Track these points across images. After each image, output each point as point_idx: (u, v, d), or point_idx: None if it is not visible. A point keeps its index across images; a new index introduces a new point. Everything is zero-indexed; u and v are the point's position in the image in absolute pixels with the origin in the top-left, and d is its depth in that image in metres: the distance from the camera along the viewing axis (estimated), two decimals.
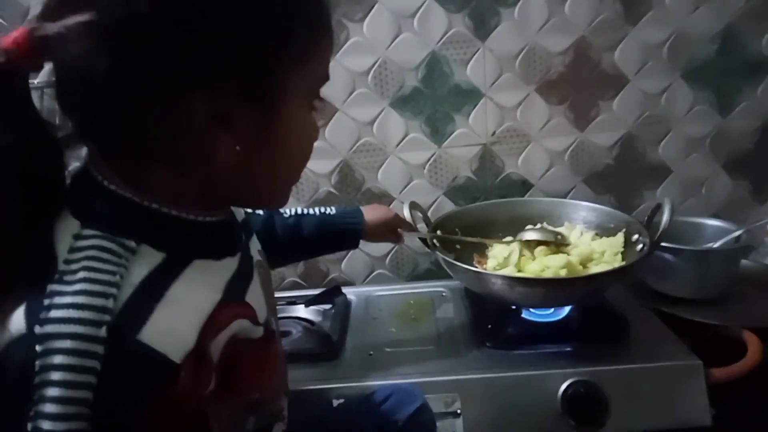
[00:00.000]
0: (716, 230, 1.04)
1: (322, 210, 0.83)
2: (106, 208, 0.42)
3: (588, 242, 0.93)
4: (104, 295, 0.37)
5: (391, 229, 0.89)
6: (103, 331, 0.36)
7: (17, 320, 0.37)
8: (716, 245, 1.00)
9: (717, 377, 0.78)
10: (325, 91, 0.48)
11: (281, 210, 0.80)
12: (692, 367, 0.78)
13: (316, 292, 1.05)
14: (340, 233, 0.84)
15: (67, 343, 0.35)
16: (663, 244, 0.90)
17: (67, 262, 0.39)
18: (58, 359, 0.35)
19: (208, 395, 0.43)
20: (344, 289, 1.06)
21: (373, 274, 1.20)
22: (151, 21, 0.37)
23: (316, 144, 0.49)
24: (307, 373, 0.83)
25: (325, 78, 0.47)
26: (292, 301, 1.04)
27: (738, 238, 0.99)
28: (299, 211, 0.82)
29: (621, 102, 1.11)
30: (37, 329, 0.36)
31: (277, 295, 1.07)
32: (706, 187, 1.17)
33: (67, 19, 0.37)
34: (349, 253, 1.18)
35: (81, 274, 0.38)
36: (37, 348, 0.35)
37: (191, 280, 0.42)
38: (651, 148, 1.14)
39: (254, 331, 0.49)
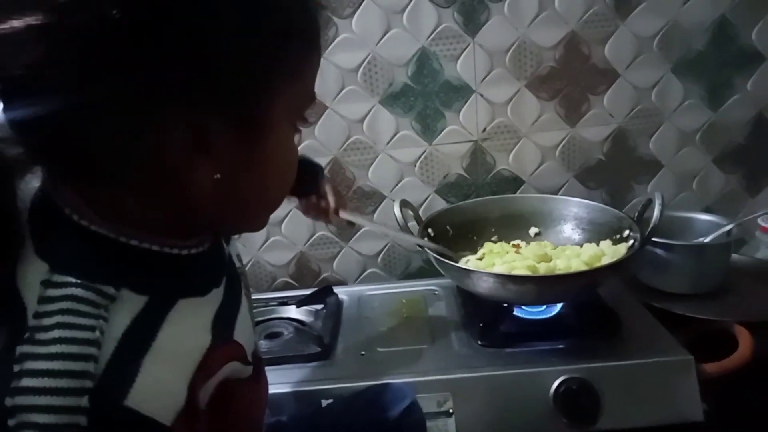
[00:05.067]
0: (708, 224, 1.03)
1: None
2: (79, 249, 0.37)
3: (577, 254, 0.91)
4: (84, 357, 0.32)
5: (338, 200, 0.79)
6: (84, 401, 0.32)
7: None
8: (708, 239, 0.99)
9: (709, 372, 0.78)
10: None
11: None
12: (684, 362, 0.78)
13: (308, 292, 1.04)
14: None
15: (43, 418, 0.31)
16: (654, 239, 0.90)
17: (38, 316, 0.34)
18: None
19: None
20: (336, 289, 1.05)
21: (366, 273, 1.20)
22: (119, 26, 0.32)
23: (305, 143, 0.46)
24: (299, 374, 0.83)
25: (312, 98, 0.44)
26: (284, 302, 1.03)
27: (729, 232, 0.99)
28: None
29: (612, 96, 1.11)
30: (8, 401, 0.31)
31: (269, 295, 1.08)
32: (698, 181, 1.16)
33: (13, 21, 0.31)
34: (341, 252, 1.17)
35: (56, 333, 0.33)
36: (9, 423, 0.31)
37: (177, 324, 0.38)
38: (642, 143, 1.14)
39: (244, 371, 0.47)
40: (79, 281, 0.35)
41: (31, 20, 0.31)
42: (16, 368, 0.32)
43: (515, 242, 0.99)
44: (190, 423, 0.37)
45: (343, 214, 0.79)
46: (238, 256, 0.54)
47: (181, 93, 0.34)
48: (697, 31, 1.07)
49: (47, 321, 0.33)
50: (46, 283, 0.35)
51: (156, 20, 0.33)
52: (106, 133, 0.35)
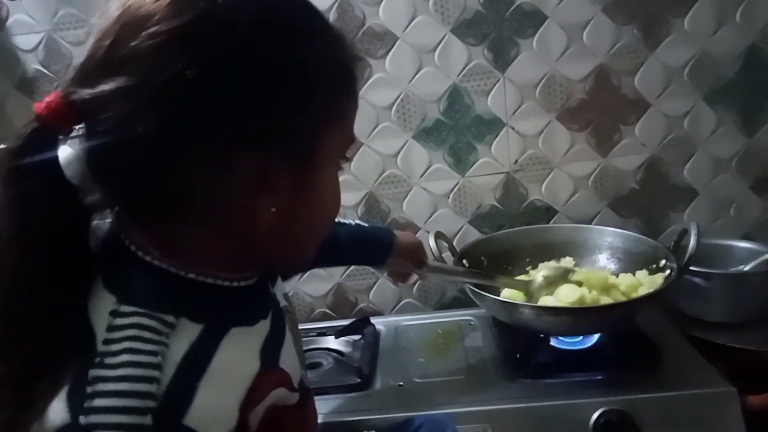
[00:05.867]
0: (747, 252, 1.02)
1: (357, 221, 0.85)
2: (144, 282, 0.41)
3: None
4: (148, 380, 0.36)
5: (416, 256, 0.87)
6: (148, 419, 0.35)
7: (59, 409, 0.36)
8: (747, 268, 0.98)
9: (754, 404, 0.77)
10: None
11: None
12: (727, 394, 0.77)
13: (346, 322, 1.06)
14: (372, 245, 0.84)
15: None
16: (693, 268, 0.90)
17: (107, 342, 0.37)
18: None
19: None
20: (373, 319, 1.08)
21: (401, 303, 1.21)
22: (196, 85, 0.37)
23: (342, 177, 0.50)
24: (339, 405, 0.85)
25: (352, 139, 0.49)
26: (322, 332, 1.06)
27: None
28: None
29: (643, 126, 1.11)
30: (82, 419, 0.35)
31: (307, 326, 1.11)
32: (735, 208, 1.15)
33: (104, 84, 0.36)
34: (377, 283, 1.20)
35: (123, 357, 0.37)
36: None
37: (229, 351, 0.41)
38: (676, 171, 1.14)
39: (291, 397, 0.49)
40: (144, 311, 0.39)
41: (118, 83, 0.36)
42: (89, 389, 0.36)
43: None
44: None
45: (426, 270, 0.86)
46: (285, 295, 0.58)
47: (247, 142, 0.39)
48: (727, 59, 1.08)
49: (115, 347, 0.37)
50: (114, 313, 0.39)
51: (225, 82, 0.38)
52: (182, 178, 0.39)
